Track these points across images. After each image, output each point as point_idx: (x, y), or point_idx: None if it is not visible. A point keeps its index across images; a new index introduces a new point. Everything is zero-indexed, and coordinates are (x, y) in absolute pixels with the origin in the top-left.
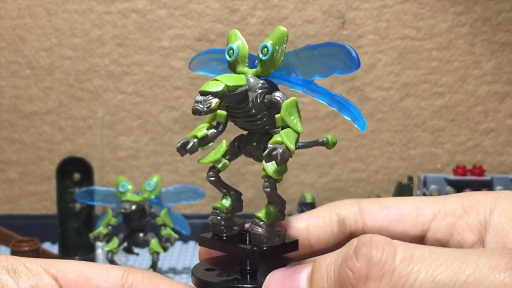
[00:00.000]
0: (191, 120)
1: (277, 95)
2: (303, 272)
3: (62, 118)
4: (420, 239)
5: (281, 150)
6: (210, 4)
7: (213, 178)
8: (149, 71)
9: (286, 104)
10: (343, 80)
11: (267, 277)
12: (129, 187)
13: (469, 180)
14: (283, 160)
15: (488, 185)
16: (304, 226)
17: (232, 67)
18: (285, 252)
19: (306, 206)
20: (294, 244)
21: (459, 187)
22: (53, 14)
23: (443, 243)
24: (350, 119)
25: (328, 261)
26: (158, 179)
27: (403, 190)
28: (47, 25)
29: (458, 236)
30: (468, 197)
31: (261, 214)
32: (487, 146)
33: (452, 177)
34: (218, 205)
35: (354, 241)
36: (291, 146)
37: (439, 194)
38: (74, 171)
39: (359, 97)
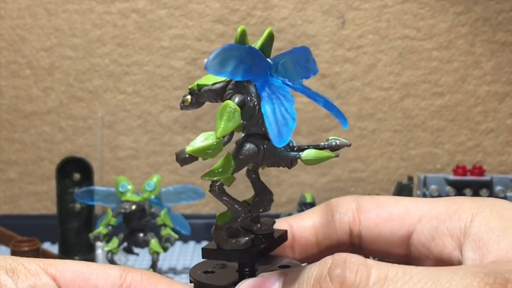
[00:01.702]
0: (191, 120)
1: (227, 97)
2: (273, 285)
3: (62, 118)
4: (407, 240)
5: (178, 151)
6: (210, 4)
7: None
8: (149, 71)
9: (220, 107)
10: (343, 80)
11: (238, 285)
12: (129, 187)
13: (469, 180)
14: (180, 161)
15: (488, 185)
16: (310, 224)
17: None
18: (277, 245)
19: (306, 206)
20: (283, 235)
21: (459, 187)
22: (53, 14)
23: (426, 246)
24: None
25: (300, 278)
26: (158, 179)
27: (403, 190)
28: (47, 25)
29: (439, 240)
30: (454, 201)
31: (218, 214)
32: (487, 146)
33: (452, 177)
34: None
35: (328, 260)
36: (188, 148)
37: (439, 194)
38: (74, 171)
39: (359, 97)
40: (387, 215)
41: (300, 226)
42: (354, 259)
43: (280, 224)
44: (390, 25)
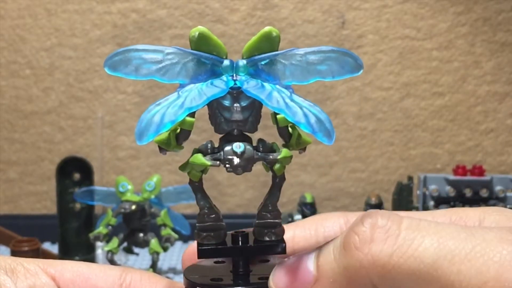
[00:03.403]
0: None
1: None
2: (312, 253)
3: (62, 118)
4: None
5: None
6: (210, 4)
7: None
8: None
9: None
10: (343, 80)
11: (273, 271)
12: (129, 187)
13: (469, 180)
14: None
15: (488, 185)
16: (290, 236)
17: None
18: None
19: (306, 206)
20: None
21: (459, 187)
22: (53, 14)
23: None
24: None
25: (334, 240)
26: (158, 179)
27: (403, 190)
28: (47, 25)
29: None
30: (456, 211)
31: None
32: (487, 146)
33: (452, 177)
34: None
35: (361, 214)
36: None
37: (439, 194)
38: (74, 171)
39: (359, 97)
40: None
41: None
42: (386, 211)
43: None
44: (390, 25)
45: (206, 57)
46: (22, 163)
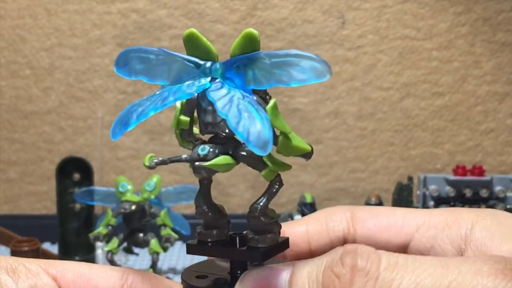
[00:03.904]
0: None
1: None
2: (282, 273)
3: (62, 118)
4: (404, 249)
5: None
6: (210, 4)
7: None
8: None
9: None
10: (343, 80)
11: (242, 275)
12: (129, 187)
13: (469, 180)
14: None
15: (488, 185)
16: (303, 230)
17: None
18: (279, 251)
19: (306, 206)
20: (286, 242)
21: (459, 187)
22: (53, 14)
23: (424, 254)
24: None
25: (310, 265)
26: (158, 179)
27: (403, 190)
28: (47, 25)
29: (439, 248)
30: (452, 212)
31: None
32: (487, 146)
33: (452, 177)
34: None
35: (339, 249)
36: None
37: (439, 194)
38: (74, 171)
39: (359, 97)
40: (384, 224)
41: (293, 233)
42: (364, 248)
43: None
44: (390, 25)
45: (187, 59)
46: (22, 163)
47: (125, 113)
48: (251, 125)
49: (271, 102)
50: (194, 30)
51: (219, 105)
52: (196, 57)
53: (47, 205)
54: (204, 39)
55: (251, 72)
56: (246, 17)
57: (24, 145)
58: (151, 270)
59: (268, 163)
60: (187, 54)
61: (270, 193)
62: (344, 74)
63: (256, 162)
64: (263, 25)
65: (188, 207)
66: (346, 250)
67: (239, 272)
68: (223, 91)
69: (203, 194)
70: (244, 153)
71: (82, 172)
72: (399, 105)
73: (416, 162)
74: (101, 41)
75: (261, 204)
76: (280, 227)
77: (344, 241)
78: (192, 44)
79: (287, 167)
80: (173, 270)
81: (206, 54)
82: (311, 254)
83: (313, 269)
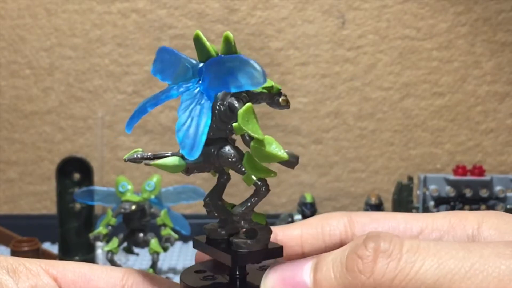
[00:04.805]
0: None
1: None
2: (306, 264)
3: (62, 118)
4: None
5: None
6: (210, 4)
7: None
8: (149, 71)
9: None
10: (343, 80)
11: (266, 273)
12: (129, 187)
13: (469, 180)
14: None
15: (488, 185)
16: (297, 234)
17: None
18: (268, 257)
19: (306, 206)
20: (278, 250)
21: (459, 187)
22: (53, 14)
23: None
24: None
25: (334, 253)
26: (158, 179)
27: (403, 190)
28: (47, 25)
29: None
30: (455, 214)
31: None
32: (487, 146)
33: (452, 177)
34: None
35: (361, 236)
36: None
37: (439, 194)
38: (74, 171)
39: (359, 97)
40: (386, 228)
41: (286, 235)
42: (387, 233)
43: None
44: (390, 25)
45: (186, 60)
46: (22, 163)
47: (138, 108)
48: (188, 128)
49: (244, 107)
50: (199, 32)
51: (181, 106)
52: (200, 58)
53: (47, 205)
54: (205, 40)
55: (208, 77)
56: (246, 17)
57: (24, 145)
58: (151, 270)
59: (243, 168)
60: (197, 55)
61: (254, 198)
62: (344, 74)
63: (234, 166)
64: (263, 25)
65: (188, 207)
66: (369, 236)
67: (237, 273)
68: (194, 93)
69: (213, 191)
70: (222, 156)
71: (82, 172)
72: (399, 105)
73: (416, 162)
74: (101, 41)
75: (243, 208)
76: (270, 233)
77: (341, 245)
78: (197, 45)
79: (270, 173)
80: (173, 270)
81: (206, 56)
82: (303, 257)
83: (337, 255)
